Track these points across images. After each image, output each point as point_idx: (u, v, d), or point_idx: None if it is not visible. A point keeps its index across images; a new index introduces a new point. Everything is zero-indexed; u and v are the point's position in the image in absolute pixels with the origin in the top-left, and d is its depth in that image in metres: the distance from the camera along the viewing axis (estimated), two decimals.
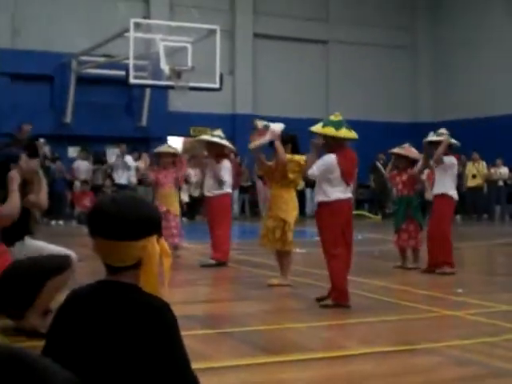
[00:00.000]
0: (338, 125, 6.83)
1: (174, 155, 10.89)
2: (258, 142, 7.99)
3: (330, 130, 6.78)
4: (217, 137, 10.10)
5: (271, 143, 7.97)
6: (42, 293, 5.24)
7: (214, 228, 10.00)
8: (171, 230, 10.34)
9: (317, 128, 6.88)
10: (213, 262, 9.86)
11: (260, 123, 8.04)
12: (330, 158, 6.86)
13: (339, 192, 6.90)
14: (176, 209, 10.80)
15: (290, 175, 8.02)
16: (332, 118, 6.94)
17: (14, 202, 5.30)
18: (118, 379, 2.25)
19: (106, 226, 2.31)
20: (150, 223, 2.36)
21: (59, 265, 5.31)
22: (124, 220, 2.30)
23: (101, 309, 2.32)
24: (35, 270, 5.22)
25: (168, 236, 9.71)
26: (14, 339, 5.10)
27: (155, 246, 2.36)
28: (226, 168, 10.10)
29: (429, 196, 9.54)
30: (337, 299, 6.87)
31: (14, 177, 5.52)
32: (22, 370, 1.11)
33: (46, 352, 2.34)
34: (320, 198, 6.96)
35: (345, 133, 6.84)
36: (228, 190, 10.17)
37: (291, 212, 8.13)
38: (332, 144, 6.85)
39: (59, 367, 1.19)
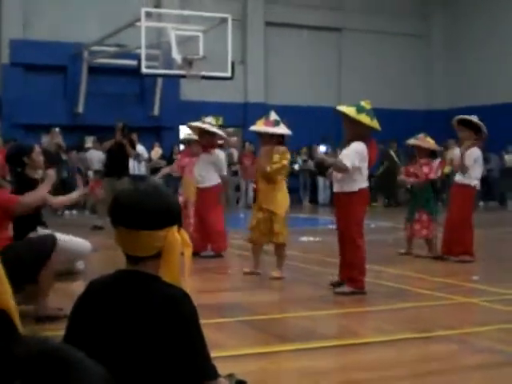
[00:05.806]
0: (371, 114, 6.57)
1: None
2: (262, 128, 7.80)
3: (366, 119, 6.51)
4: (208, 124, 9.64)
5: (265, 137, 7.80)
6: (41, 280, 5.30)
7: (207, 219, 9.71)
8: (189, 220, 9.95)
9: (350, 111, 6.55)
10: (211, 253, 9.66)
11: (274, 116, 7.88)
12: (362, 147, 6.61)
13: (364, 181, 6.84)
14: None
15: (269, 169, 7.64)
16: (363, 104, 6.63)
17: (38, 195, 5.43)
18: (137, 368, 2.26)
19: (127, 216, 2.32)
20: (170, 213, 2.37)
21: (46, 241, 5.37)
22: (145, 209, 2.31)
23: (121, 299, 2.33)
24: (28, 249, 5.28)
25: (186, 225, 9.52)
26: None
27: (176, 236, 2.37)
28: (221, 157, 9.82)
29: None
30: (354, 287, 6.87)
31: (51, 175, 5.80)
32: (61, 367, 1.11)
33: (66, 341, 2.35)
34: (349, 187, 6.72)
35: (376, 124, 6.61)
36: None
37: (280, 204, 7.77)
38: (363, 133, 6.61)
39: (93, 362, 1.19)
